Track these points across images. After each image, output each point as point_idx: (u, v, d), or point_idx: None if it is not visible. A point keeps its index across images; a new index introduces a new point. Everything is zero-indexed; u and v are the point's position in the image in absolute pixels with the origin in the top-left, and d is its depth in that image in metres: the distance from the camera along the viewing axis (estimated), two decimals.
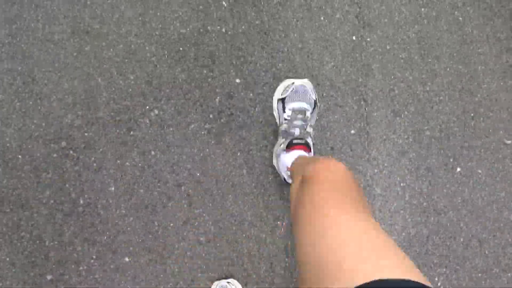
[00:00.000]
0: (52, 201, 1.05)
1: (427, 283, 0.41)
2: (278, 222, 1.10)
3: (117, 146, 1.07)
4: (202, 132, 1.08)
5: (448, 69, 1.14)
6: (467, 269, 1.12)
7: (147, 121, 1.08)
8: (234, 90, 1.09)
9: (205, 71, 1.09)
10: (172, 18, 1.08)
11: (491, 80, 1.15)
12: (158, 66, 1.09)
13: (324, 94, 1.10)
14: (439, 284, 1.11)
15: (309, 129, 0.99)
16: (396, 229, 1.11)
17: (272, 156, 1.08)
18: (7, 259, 1.03)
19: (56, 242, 1.05)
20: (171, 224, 1.07)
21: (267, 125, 1.09)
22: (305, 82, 1.02)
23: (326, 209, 0.51)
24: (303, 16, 1.10)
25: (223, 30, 1.09)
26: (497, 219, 1.15)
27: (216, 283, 1.04)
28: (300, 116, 0.99)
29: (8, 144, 1.06)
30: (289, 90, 1.02)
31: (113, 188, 1.06)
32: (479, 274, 1.12)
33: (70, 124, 1.06)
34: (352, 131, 1.10)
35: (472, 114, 1.14)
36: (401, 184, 1.12)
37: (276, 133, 1.08)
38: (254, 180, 1.09)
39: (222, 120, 1.09)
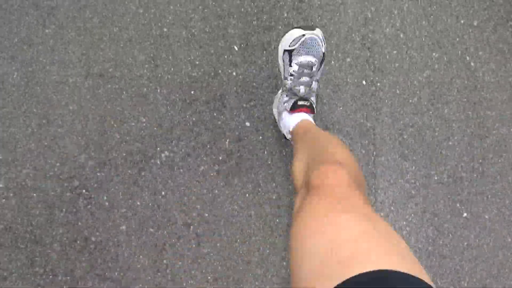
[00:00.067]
0: (65, 238, 1.09)
1: (430, 282, 0.40)
2: (284, 263, 1.12)
3: (128, 186, 1.09)
4: (211, 174, 1.10)
5: (457, 114, 1.14)
6: None
7: (158, 163, 1.10)
8: (243, 133, 1.11)
9: (215, 114, 1.10)
10: (183, 62, 1.10)
11: (501, 126, 1.15)
12: (169, 109, 1.10)
13: None
14: None
15: (314, 85, 0.96)
16: None
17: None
18: None
19: (68, 277, 1.08)
20: (180, 263, 1.10)
21: (275, 167, 1.11)
22: (316, 32, 0.94)
23: (324, 212, 0.51)
24: None
25: (234, 73, 1.10)
26: (503, 264, 1.16)
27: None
28: (306, 71, 0.94)
29: (23, 183, 1.09)
30: (298, 42, 0.94)
31: (124, 227, 1.09)
32: None
33: (83, 164, 1.09)
34: None
35: (480, 160, 1.14)
36: (407, 228, 1.13)
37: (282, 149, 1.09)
38: (261, 221, 1.11)
39: (231, 162, 1.11)
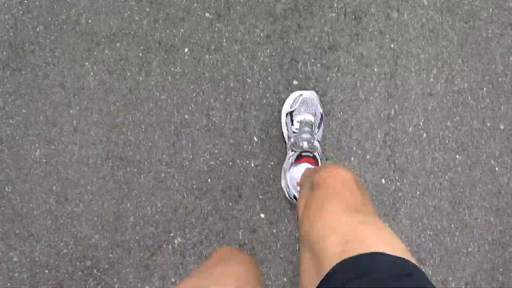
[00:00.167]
0: None
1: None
2: None
3: (139, 269, 1.08)
4: None
5: (479, 220, 1.10)
6: None
7: (170, 248, 1.09)
8: (258, 225, 1.09)
9: (231, 204, 1.09)
10: (202, 150, 1.09)
11: None
12: (185, 195, 1.10)
13: None
14: None
15: (316, 144, 1.03)
16: None
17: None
18: None
19: None
20: None
21: (288, 261, 1.09)
22: (312, 93, 1.08)
23: (330, 208, 0.56)
24: (333, 156, 1.08)
25: (252, 164, 1.09)
26: None
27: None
28: (307, 128, 1.03)
29: (36, 259, 1.09)
30: (298, 102, 1.06)
31: None
32: None
33: (97, 244, 1.09)
34: None
35: (501, 269, 1.09)
36: None
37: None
38: None
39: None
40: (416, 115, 1.15)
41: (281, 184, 1.13)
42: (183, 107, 1.13)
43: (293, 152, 1.04)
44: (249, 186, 1.14)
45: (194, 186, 1.14)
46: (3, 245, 1.12)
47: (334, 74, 1.14)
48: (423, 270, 0.50)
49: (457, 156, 1.15)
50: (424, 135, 1.15)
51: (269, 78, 1.13)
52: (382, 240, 0.48)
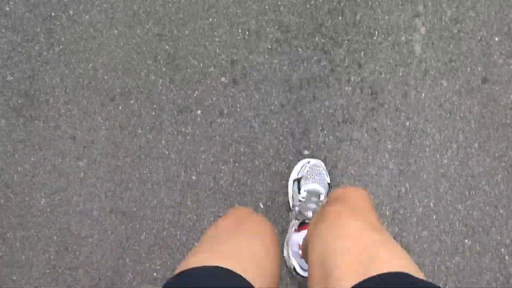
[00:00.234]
0: None
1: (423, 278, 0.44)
2: None
3: None
4: None
5: None
6: None
7: None
8: None
9: None
10: (207, 212, 1.08)
11: None
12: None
13: None
14: None
15: None
16: None
17: None
18: None
19: None
20: None
21: None
22: (319, 161, 1.09)
23: (350, 223, 0.55)
24: None
25: None
26: None
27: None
28: (314, 199, 1.02)
29: None
30: (305, 170, 1.07)
31: None
32: None
33: None
34: None
35: None
36: None
37: None
38: None
39: None
40: (427, 195, 1.12)
41: (283, 253, 1.11)
42: (191, 168, 1.12)
43: (296, 221, 1.04)
44: None
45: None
46: None
47: (346, 147, 1.12)
48: None
49: (466, 240, 1.12)
50: (434, 216, 1.12)
51: (280, 146, 1.12)
52: (406, 262, 0.47)
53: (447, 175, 1.13)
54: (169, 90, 1.11)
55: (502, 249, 1.13)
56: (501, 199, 1.13)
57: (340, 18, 1.10)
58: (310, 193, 1.04)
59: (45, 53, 1.11)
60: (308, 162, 1.09)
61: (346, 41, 1.11)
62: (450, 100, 1.12)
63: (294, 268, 1.06)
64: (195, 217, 1.13)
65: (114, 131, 1.12)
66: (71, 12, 1.10)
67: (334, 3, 1.10)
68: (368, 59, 1.11)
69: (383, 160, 1.13)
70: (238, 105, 1.12)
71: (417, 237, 1.13)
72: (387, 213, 1.13)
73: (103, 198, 1.13)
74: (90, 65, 1.11)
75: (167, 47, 1.10)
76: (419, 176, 1.13)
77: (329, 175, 1.10)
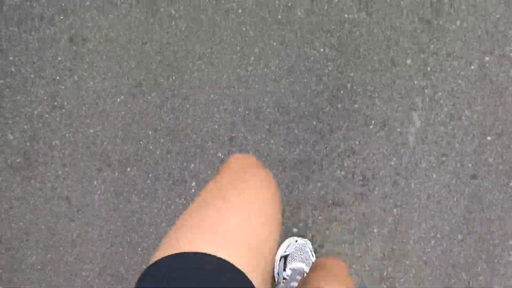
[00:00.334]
0: None
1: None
2: None
3: None
4: None
5: None
6: None
7: None
8: None
9: None
10: None
11: None
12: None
13: None
14: None
15: None
16: None
17: None
18: None
19: None
20: None
21: None
22: (307, 241, 1.13)
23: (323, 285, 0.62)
24: None
25: None
26: None
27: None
28: (298, 277, 1.06)
29: None
30: (293, 248, 1.11)
31: None
32: None
33: None
34: None
35: None
36: None
37: None
38: None
39: None
40: (408, 280, 1.15)
41: None
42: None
43: None
44: None
45: None
46: None
47: (334, 228, 1.14)
48: None
49: None
50: None
51: None
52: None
53: (429, 263, 1.16)
54: (165, 160, 1.13)
55: None
56: None
57: (339, 105, 1.12)
58: (295, 271, 1.08)
59: (47, 115, 1.12)
60: (296, 241, 1.12)
61: (343, 128, 1.13)
62: (439, 193, 1.15)
63: None
64: None
65: (109, 196, 1.13)
66: (75, 78, 1.11)
67: (335, 91, 1.12)
68: (362, 146, 1.13)
69: (368, 244, 1.16)
70: None
71: None
72: (377, 276, 1.16)
73: (93, 259, 1.15)
74: (91, 130, 1.12)
75: (167, 119, 1.12)
76: (402, 261, 1.16)
77: (315, 254, 1.13)
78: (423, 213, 1.16)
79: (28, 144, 1.12)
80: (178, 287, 0.41)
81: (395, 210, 1.16)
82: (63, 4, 1.11)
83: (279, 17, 1.10)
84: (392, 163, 1.14)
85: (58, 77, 1.12)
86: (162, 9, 1.12)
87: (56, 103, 1.12)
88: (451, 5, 1.12)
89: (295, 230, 1.16)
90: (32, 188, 1.13)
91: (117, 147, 1.13)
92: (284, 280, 1.09)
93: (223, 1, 1.11)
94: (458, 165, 1.14)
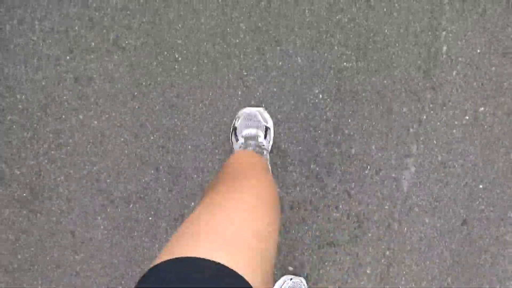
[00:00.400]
0: None
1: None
2: None
3: None
4: None
5: None
6: None
7: None
8: None
9: None
10: None
11: None
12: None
13: None
14: None
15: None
16: None
17: None
18: None
19: None
20: None
21: None
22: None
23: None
24: None
25: None
26: None
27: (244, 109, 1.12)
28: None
29: None
30: (287, 286, 1.13)
31: None
32: None
33: None
34: None
35: None
36: None
37: None
38: None
39: None
40: None
41: None
42: None
43: None
44: None
45: None
46: None
47: (328, 268, 1.18)
48: None
49: None
50: None
51: None
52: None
53: None
54: (167, 199, 1.17)
55: None
56: None
57: (336, 150, 1.15)
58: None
59: (52, 152, 1.15)
60: (291, 279, 1.16)
61: (339, 172, 1.16)
62: (430, 237, 1.18)
63: None
64: None
65: (111, 231, 1.17)
66: (81, 116, 1.15)
67: (332, 136, 1.15)
68: (358, 190, 1.16)
69: (361, 283, 1.19)
70: None
71: None
72: None
73: None
74: (95, 168, 1.16)
75: (169, 158, 1.15)
76: None
77: None
78: (415, 256, 1.19)
79: (34, 179, 1.16)
80: None
81: (387, 252, 1.19)
82: (69, 45, 1.14)
83: (280, 63, 1.12)
84: (386, 207, 1.17)
85: (63, 116, 1.15)
86: (165, 52, 1.14)
87: (61, 140, 1.15)
88: (448, 56, 1.14)
89: (290, 268, 1.19)
90: (38, 221, 1.17)
91: (119, 185, 1.16)
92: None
93: (225, 46, 1.13)
94: (450, 210, 1.17)
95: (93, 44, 1.15)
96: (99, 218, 1.17)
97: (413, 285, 1.20)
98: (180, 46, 1.14)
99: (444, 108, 1.15)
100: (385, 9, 1.14)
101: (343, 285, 1.19)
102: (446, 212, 1.17)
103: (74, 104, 1.15)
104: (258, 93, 1.14)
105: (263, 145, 1.05)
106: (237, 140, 1.06)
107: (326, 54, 1.14)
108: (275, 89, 1.14)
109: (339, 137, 1.15)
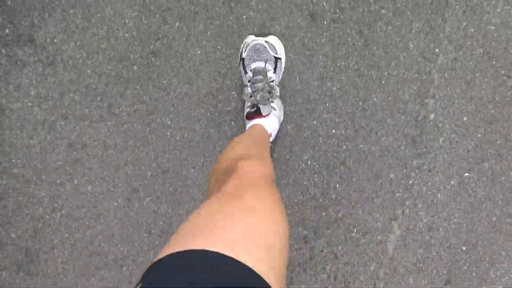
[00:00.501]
0: None
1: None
2: None
3: None
4: None
5: None
6: None
7: None
8: None
9: None
10: None
11: None
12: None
13: None
14: None
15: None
16: None
17: None
18: None
19: None
20: None
21: None
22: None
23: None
24: None
25: None
26: None
27: (251, 37, 1.02)
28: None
29: None
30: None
31: None
32: None
33: None
34: None
35: None
36: None
37: None
38: None
39: None
40: None
41: None
42: None
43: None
44: None
45: None
46: None
47: None
48: None
49: None
50: None
51: None
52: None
53: None
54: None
55: None
56: None
57: (324, 214, 1.18)
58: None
59: (47, 216, 1.18)
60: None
61: (327, 234, 1.19)
62: None
63: None
64: None
65: None
66: (75, 182, 1.17)
67: (320, 200, 1.17)
68: (344, 252, 1.19)
69: None
70: None
71: None
72: None
73: None
74: (89, 231, 1.18)
75: (161, 223, 1.18)
76: None
77: None
78: None
79: (29, 242, 1.18)
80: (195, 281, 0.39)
81: None
82: (63, 111, 1.15)
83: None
84: (372, 267, 1.21)
85: (58, 180, 1.17)
86: (158, 119, 1.16)
87: (56, 204, 1.17)
88: (436, 124, 1.16)
89: None
90: (34, 283, 1.20)
91: (113, 248, 1.19)
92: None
93: (217, 114, 1.15)
94: (434, 271, 1.21)
95: (87, 110, 1.16)
96: (93, 279, 1.20)
97: None
98: (172, 113, 1.16)
99: (430, 173, 1.18)
100: (374, 77, 1.16)
101: None
102: (430, 272, 1.21)
103: (69, 169, 1.17)
104: None
105: (272, 81, 1.01)
106: (245, 72, 1.01)
107: (315, 122, 1.16)
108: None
109: (327, 201, 1.18)
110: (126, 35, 1.16)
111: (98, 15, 1.16)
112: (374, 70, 1.16)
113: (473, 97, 1.17)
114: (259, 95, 0.99)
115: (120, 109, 1.16)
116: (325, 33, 1.16)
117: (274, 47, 1.02)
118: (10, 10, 1.17)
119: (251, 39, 1.01)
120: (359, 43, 1.16)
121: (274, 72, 1.02)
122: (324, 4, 1.16)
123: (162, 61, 1.16)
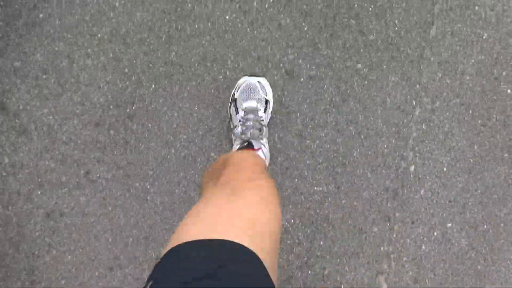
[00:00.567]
0: None
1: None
2: None
3: None
4: None
5: None
6: None
7: None
8: None
9: None
10: None
11: None
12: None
13: None
14: None
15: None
16: None
17: None
18: None
19: None
20: None
21: None
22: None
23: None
24: None
25: None
26: None
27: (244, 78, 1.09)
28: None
29: None
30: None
31: None
32: None
33: None
34: None
35: None
36: None
37: None
38: None
39: None
40: None
41: None
42: None
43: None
44: None
45: None
46: None
47: None
48: None
49: None
50: None
51: None
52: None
53: None
54: None
55: None
56: None
57: (309, 272, 1.17)
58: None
59: None
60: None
61: None
62: None
63: None
64: None
65: None
66: (54, 252, 1.13)
67: (305, 259, 1.16)
68: None
69: None
70: None
71: None
72: None
73: None
74: None
75: (153, 254, 1.15)
76: None
77: None
78: None
79: None
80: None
81: None
82: (39, 180, 1.12)
83: None
84: None
85: (36, 252, 1.14)
86: (137, 184, 1.14)
87: (35, 277, 1.14)
88: (416, 175, 1.17)
89: None
90: None
91: None
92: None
93: (196, 176, 1.13)
94: None
95: (64, 178, 1.13)
96: None
97: None
98: (151, 177, 1.14)
99: (413, 225, 1.18)
100: (353, 133, 1.16)
101: None
102: None
103: (47, 239, 1.14)
104: None
105: (262, 120, 1.04)
106: (237, 112, 1.04)
107: (296, 180, 1.15)
108: None
109: (312, 260, 1.17)
110: (101, 99, 1.14)
111: (72, 80, 1.14)
112: (352, 125, 1.16)
113: (451, 147, 1.18)
114: (249, 132, 1.00)
115: (98, 175, 1.14)
116: (302, 90, 1.15)
117: (265, 89, 1.07)
118: None
119: (243, 80, 1.07)
120: (337, 99, 1.16)
121: (264, 112, 1.05)
122: (301, 61, 1.15)
123: (139, 124, 1.14)
